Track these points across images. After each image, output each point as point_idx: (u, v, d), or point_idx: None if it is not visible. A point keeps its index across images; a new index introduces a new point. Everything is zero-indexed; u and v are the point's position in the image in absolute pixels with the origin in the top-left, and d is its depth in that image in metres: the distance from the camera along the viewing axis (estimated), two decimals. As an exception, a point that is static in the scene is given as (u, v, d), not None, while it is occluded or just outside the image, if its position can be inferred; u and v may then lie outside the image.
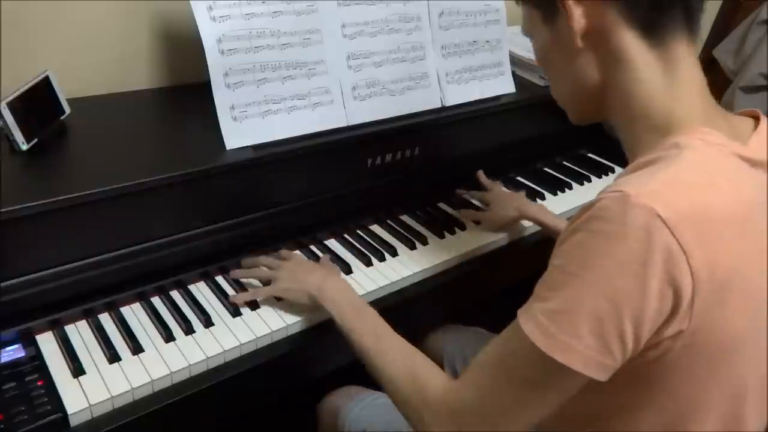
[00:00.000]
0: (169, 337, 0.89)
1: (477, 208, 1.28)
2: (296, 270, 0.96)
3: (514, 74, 1.39)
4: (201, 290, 0.99)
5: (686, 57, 0.64)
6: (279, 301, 0.98)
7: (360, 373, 0.83)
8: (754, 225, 0.59)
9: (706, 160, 0.59)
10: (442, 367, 1.21)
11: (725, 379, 0.61)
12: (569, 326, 0.57)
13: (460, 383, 0.68)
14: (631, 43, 0.64)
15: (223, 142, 0.99)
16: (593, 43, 0.65)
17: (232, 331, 0.91)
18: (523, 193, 1.28)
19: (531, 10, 0.71)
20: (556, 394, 0.61)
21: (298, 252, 1.07)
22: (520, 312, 0.62)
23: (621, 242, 0.55)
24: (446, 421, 0.67)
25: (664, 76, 0.64)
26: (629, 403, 0.64)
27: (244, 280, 1.01)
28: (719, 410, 0.63)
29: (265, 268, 1.00)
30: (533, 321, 0.59)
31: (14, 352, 0.83)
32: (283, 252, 1.04)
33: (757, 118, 0.68)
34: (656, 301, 0.54)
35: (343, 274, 1.05)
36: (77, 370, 0.82)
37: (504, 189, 1.31)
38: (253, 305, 0.97)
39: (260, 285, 1.00)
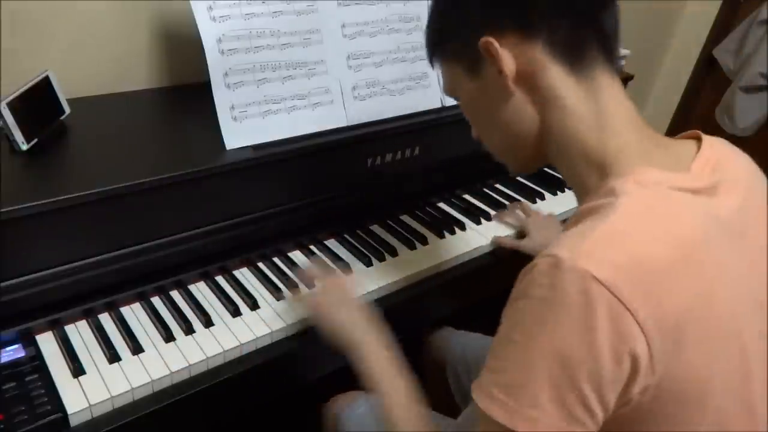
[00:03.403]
0: (169, 337, 0.89)
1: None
2: (332, 303, 0.89)
3: (514, 74, 1.38)
4: (201, 290, 0.99)
5: (610, 87, 0.64)
6: (279, 301, 0.98)
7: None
8: (700, 262, 0.57)
9: (641, 206, 0.58)
10: (443, 371, 1.22)
11: (701, 417, 0.59)
12: (527, 398, 0.55)
13: None
14: (560, 79, 0.63)
15: (223, 142, 0.99)
16: (524, 84, 0.64)
17: (232, 331, 0.91)
18: (559, 225, 1.23)
19: (451, 65, 0.70)
20: None
21: (350, 276, 1.03)
22: (474, 389, 0.59)
23: (561, 308, 0.53)
24: None
25: (593, 109, 0.63)
26: None
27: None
28: None
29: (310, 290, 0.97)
30: (490, 398, 0.57)
31: (14, 352, 0.83)
32: (336, 274, 1.01)
33: (699, 140, 0.66)
34: (613, 364, 0.53)
35: (342, 274, 1.05)
36: (77, 370, 0.82)
37: (542, 216, 1.25)
38: (254, 305, 0.97)
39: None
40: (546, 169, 1.50)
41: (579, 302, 0.52)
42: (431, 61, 0.73)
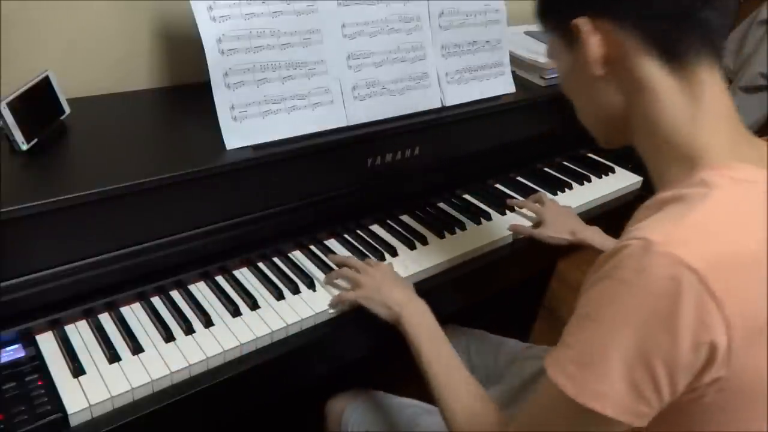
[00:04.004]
0: (169, 337, 0.89)
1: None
2: (382, 282, 0.96)
3: (514, 74, 1.39)
4: (201, 290, 0.99)
5: (711, 82, 0.62)
6: (278, 301, 0.98)
7: (364, 373, 0.83)
8: None
9: (734, 201, 0.58)
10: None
11: (760, 416, 0.60)
12: (599, 374, 0.56)
13: None
14: (652, 69, 0.62)
15: (223, 142, 0.99)
16: (613, 70, 0.64)
17: (232, 331, 0.91)
18: (575, 214, 1.25)
19: (552, 34, 0.70)
20: None
21: (385, 263, 1.05)
22: (548, 362, 0.61)
23: (647, 292, 0.54)
24: None
25: (688, 102, 0.62)
26: None
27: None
28: None
29: (351, 270, 1.00)
30: (563, 372, 0.59)
31: (14, 352, 0.83)
32: (372, 261, 1.03)
33: None
34: (690, 352, 0.53)
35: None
36: (77, 370, 0.82)
37: (558, 205, 1.28)
38: (254, 305, 0.97)
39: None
40: (546, 168, 1.51)
41: (667, 288, 0.53)
42: (540, 26, 0.73)
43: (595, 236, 1.16)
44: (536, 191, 1.38)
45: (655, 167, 0.67)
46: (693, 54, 0.62)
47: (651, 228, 0.56)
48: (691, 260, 0.52)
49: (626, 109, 0.66)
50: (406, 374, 0.85)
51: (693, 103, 0.62)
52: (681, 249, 0.53)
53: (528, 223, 1.26)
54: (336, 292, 1.01)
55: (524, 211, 1.29)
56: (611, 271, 0.57)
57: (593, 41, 0.63)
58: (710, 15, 0.61)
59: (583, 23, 0.63)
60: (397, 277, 1.00)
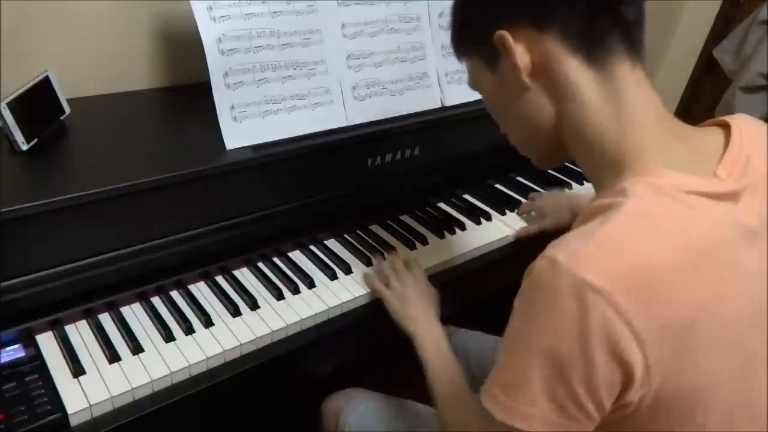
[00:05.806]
0: (169, 337, 0.89)
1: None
2: (408, 293, 0.97)
3: (514, 74, 1.39)
4: (201, 290, 0.99)
5: (632, 78, 0.62)
6: (279, 301, 0.98)
7: (362, 374, 0.83)
8: (711, 268, 0.55)
9: (650, 210, 0.56)
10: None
11: (706, 418, 0.59)
12: (523, 396, 0.56)
13: None
14: (578, 71, 0.62)
15: (223, 142, 0.99)
16: (540, 77, 0.64)
17: (232, 331, 0.91)
18: (569, 193, 1.25)
19: (472, 59, 0.70)
20: None
21: (417, 269, 1.03)
22: (482, 388, 0.62)
23: (555, 312, 0.53)
24: None
25: (613, 101, 0.62)
26: None
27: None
28: None
29: (388, 266, 1.03)
30: (491, 397, 0.59)
31: (14, 352, 0.83)
32: (409, 260, 1.04)
33: (727, 127, 0.63)
34: (606, 372, 0.53)
35: (342, 274, 1.05)
36: (77, 370, 0.82)
37: (552, 193, 1.28)
38: (254, 305, 0.97)
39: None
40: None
41: (573, 308, 0.52)
42: (457, 56, 0.73)
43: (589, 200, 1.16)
44: (536, 191, 1.38)
45: (590, 175, 0.66)
46: (614, 51, 0.62)
47: (560, 246, 0.56)
48: (594, 280, 0.51)
49: (556, 118, 0.65)
50: (406, 375, 0.85)
51: (617, 102, 0.62)
52: (584, 269, 0.52)
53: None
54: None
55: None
56: (525, 292, 0.58)
57: (519, 50, 0.63)
58: (628, 9, 0.61)
59: (504, 34, 0.63)
60: (423, 289, 0.99)
